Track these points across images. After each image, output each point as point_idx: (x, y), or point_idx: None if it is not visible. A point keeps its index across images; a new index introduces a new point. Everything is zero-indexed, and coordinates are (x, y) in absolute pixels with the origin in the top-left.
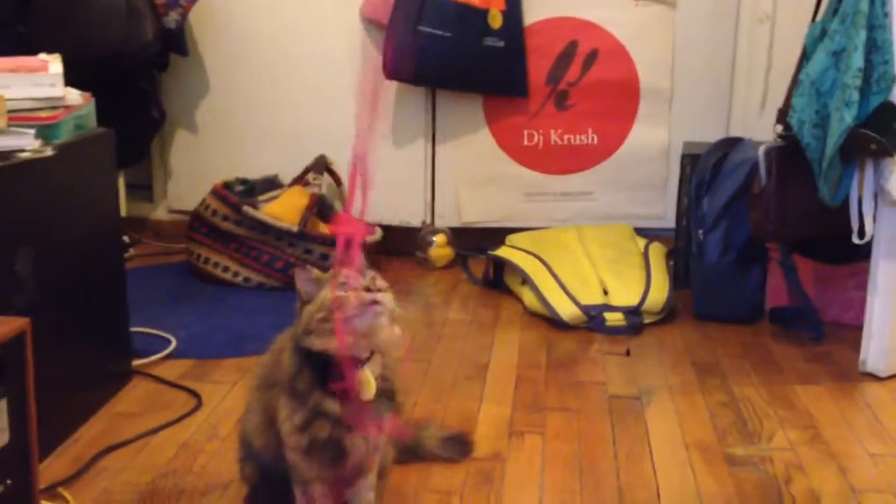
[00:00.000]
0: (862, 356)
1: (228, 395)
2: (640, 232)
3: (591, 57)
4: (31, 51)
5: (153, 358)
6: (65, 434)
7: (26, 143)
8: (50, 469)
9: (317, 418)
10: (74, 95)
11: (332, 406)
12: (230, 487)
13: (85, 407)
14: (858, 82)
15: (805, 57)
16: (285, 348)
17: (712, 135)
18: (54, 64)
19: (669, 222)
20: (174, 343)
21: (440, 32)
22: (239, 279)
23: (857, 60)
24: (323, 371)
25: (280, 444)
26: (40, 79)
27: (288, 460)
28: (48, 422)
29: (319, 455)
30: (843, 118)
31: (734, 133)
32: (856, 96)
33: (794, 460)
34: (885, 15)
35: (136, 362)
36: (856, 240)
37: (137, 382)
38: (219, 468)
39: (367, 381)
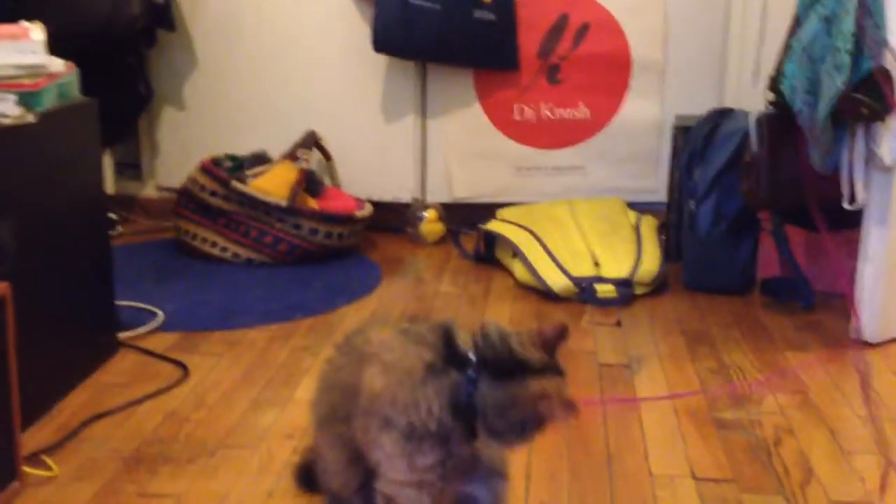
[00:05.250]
0: (853, 322)
1: (216, 366)
2: (631, 206)
3: (583, 30)
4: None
5: (140, 331)
6: (49, 403)
7: (7, 110)
8: (34, 437)
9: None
10: (57, 64)
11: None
12: (216, 454)
13: (70, 377)
14: (850, 46)
15: (796, 23)
16: (349, 383)
17: (705, 107)
18: (36, 31)
19: (661, 196)
20: (161, 316)
21: (430, 5)
22: (228, 255)
23: (849, 25)
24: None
25: (367, 482)
26: (22, 46)
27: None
28: (32, 390)
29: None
30: (834, 82)
31: (728, 104)
32: (847, 60)
33: (783, 423)
34: None
35: (123, 335)
36: (846, 205)
37: (124, 354)
38: (205, 436)
39: None
